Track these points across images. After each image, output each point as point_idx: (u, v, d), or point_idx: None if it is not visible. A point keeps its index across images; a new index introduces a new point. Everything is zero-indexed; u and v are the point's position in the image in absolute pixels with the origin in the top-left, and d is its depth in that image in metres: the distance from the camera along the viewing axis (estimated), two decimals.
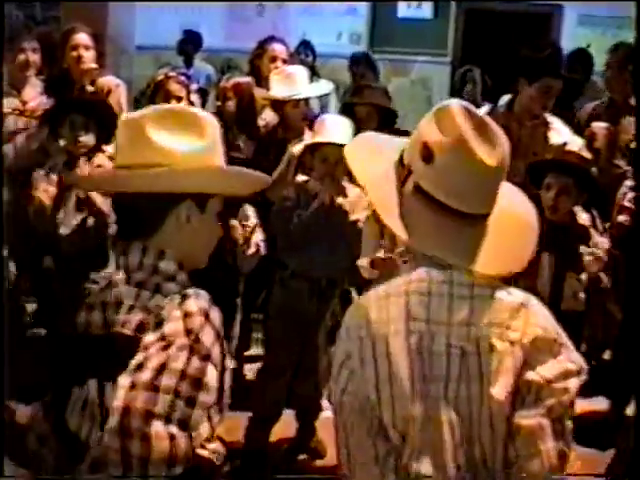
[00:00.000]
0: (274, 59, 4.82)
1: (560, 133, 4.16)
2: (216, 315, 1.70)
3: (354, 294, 3.88)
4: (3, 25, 4.09)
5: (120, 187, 1.75)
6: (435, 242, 1.69)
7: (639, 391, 4.02)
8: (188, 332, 1.63)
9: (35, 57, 4.45)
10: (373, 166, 1.74)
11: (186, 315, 1.65)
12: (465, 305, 1.67)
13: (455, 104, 1.69)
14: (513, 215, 1.76)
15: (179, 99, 4.27)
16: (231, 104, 4.36)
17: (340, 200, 3.79)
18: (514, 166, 4.06)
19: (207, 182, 1.74)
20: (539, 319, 1.69)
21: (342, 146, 3.63)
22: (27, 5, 7.13)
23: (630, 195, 4.18)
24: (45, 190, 3.89)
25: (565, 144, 4.08)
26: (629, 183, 4.23)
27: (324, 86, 4.73)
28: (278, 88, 4.41)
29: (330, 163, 3.70)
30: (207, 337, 1.65)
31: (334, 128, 3.74)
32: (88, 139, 3.89)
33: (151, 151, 1.71)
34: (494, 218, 1.72)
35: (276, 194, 4.01)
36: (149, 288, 1.69)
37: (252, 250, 3.79)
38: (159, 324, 1.63)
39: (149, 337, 1.63)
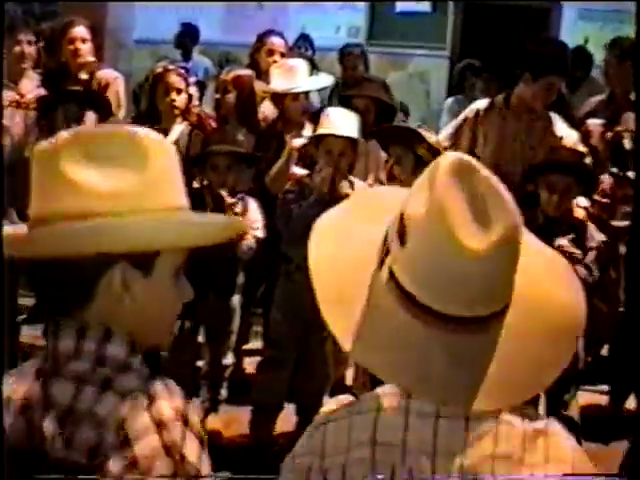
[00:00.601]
0: (272, 52, 4.81)
1: (556, 127, 4.16)
2: (193, 410, 1.25)
3: None
4: (3, 25, 4.09)
5: (29, 252, 1.25)
6: (400, 359, 1.23)
7: (639, 389, 4.04)
8: (168, 450, 1.17)
9: (31, 49, 4.44)
10: (346, 243, 1.32)
11: (160, 425, 1.18)
12: (457, 430, 1.22)
13: (450, 160, 1.25)
14: (543, 308, 1.28)
15: (179, 91, 4.27)
16: (231, 97, 4.35)
17: (344, 191, 3.78)
18: (512, 162, 4.13)
19: (144, 235, 1.22)
20: (562, 452, 1.24)
21: (347, 138, 3.69)
22: (26, 2, 7.11)
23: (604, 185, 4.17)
24: None
25: (561, 138, 4.09)
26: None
27: (324, 79, 4.73)
28: (278, 81, 4.40)
29: (334, 155, 3.70)
30: (192, 451, 1.19)
31: (339, 120, 3.74)
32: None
33: (66, 193, 1.21)
34: (513, 316, 1.25)
35: (277, 187, 4.00)
36: (94, 384, 1.21)
37: (248, 244, 3.78)
38: (125, 442, 1.16)
39: (114, 464, 1.16)
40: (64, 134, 1.25)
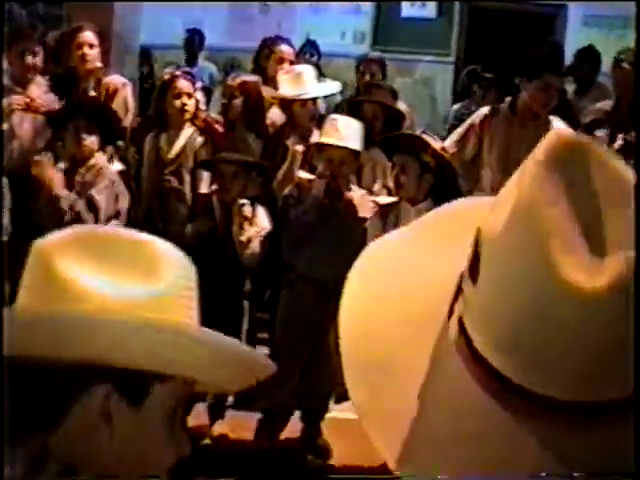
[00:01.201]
0: (281, 60, 4.86)
1: None
2: None
3: None
4: (3, 25, 4.10)
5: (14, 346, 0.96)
6: (472, 457, 0.77)
7: (639, 387, 4.03)
8: None
9: (35, 60, 4.46)
10: (399, 284, 0.91)
11: None
12: None
13: (552, 140, 0.78)
14: None
15: (189, 96, 4.30)
16: (237, 102, 4.38)
17: (345, 199, 3.81)
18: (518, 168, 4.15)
19: (151, 350, 0.95)
20: None
21: (350, 150, 3.71)
22: (30, 3, 7.13)
23: None
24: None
25: None
26: None
27: (332, 86, 4.77)
28: (286, 87, 4.43)
29: (334, 164, 3.71)
30: None
31: (343, 129, 3.75)
32: (91, 142, 3.94)
33: (61, 297, 0.98)
34: None
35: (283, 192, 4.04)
36: None
37: (246, 237, 3.80)
38: None
39: None
40: (70, 231, 1.05)
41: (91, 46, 4.52)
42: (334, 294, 3.65)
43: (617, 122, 4.68)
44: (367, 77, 5.28)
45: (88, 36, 4.54)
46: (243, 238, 3.77)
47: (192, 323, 1.04)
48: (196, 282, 1.08)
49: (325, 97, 4.99)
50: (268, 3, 8.31)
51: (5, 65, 4.44)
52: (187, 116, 4.30)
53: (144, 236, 1.06)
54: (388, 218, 3.71)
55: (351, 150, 3.75)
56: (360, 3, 8.34)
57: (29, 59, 4.42)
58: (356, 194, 3.89)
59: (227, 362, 1.03)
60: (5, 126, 4.29)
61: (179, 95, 4.27)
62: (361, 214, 3.82)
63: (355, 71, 5.61)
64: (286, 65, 4.80)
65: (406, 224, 3.51)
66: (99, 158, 4.04)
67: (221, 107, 4.63)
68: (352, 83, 5.99)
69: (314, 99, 4.43)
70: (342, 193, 3.81)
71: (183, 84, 4.31)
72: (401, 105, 4.95)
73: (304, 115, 4.35)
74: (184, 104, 4.27)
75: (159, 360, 0.95)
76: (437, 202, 3.68)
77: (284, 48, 4.94)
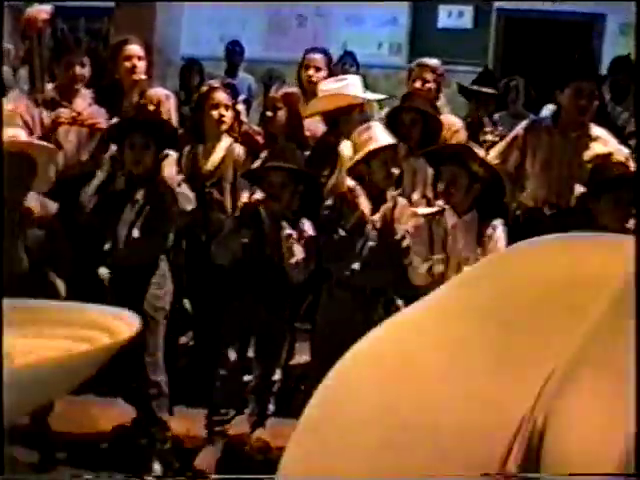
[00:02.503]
0: (307, 67, 4.92)
1: (606, 143, 4.17)
2: None
3: (399, 302, 3.92)
4: (2, 25, 4.18)
5: None
6: None
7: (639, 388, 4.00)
8: None
9: (83, 71, 4.55)
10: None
11: None
12: None
13: None
14: None
15: (227, 107, 4.33)
16: (281, 114, 4.42)
17: (384, 210, 3.84)
18: (561, 180, 4.16)
19: None
20: None
21: (394, 148, 3.77)
22: (71, 18, 7.27)
23: None
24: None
25: (610, 154, 4.10)
26: None
27: (376, 94, 4.81)
28: (330, 89, 4.48)
29: (389, 167, 3.76)
30: None
31: (383, 132, 3.85)
32: (148, 159, 3.93)
33: None
34: None
35: None
36: None
37: (295, 259, 3.83)
38: None
39: None
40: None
41: (139, 58, 4.60)
42: (370, 301, 3.74)
43: None
44: (417, 84, 5.13)
45: (135, 49, 4.62)
46: (292, 261, 3.82)
47: None
48: None
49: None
50: (304, 14, 8.39)
51: (46, 85, 4.54)
52: (224, 127, 4.32)
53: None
54: (434, 228, 3.74)
55: (394, 148, 3.82)
56: (396, 14, 8.39)
57: (77, 70, 4.50)
58: (399, 202, 3.92)
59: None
60: (52, 139, 4.39)
61: (216, 106, 4.29)
62: (401, 224, 3.85)
63: (408, 79, 5.47)
64: (311, 72, 4.85)
65: (454, 235, 3.52)
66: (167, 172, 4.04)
67: (263, 119, 4.67)
68: (389, 94, 6.03)
69: (361, 109, 4.48)
70: (384, 202, 3.85)
71: (221, 96, 4.33)
72: (451, 117, 4.96)
73: (350, 125, 4.39)
74: (221, 115, 4.29)
75: None
76: (481, 212, 3.71)
77: (313, 56, 4.99)
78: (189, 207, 4.01)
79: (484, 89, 4.96)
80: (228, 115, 4.34)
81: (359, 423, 0.65)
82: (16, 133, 3.90)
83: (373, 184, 3.83)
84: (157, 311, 3.94)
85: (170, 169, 4.09)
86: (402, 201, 3.99)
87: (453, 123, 4.80)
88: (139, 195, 3.96)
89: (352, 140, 3.93)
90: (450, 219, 3.70)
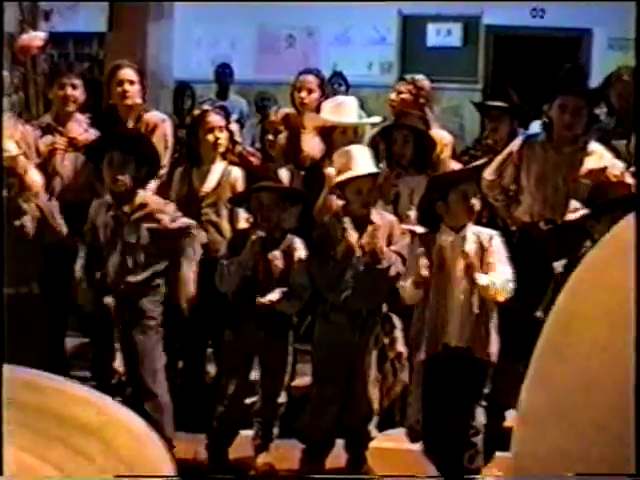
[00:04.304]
0: (300, 89, 4.98)
1: (601, 157, 4.24)
2: None
3: (395, 319, 3.98)
4: (2, 25, 4.24)
5: None
6: None
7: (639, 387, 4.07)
8: None
9: (75, 93, 4.61)
10: None
11: None
12: None
13: None
14: None
15: (221, 129, 4.40)
16: (282, 137, 4.49)
17: (369, 234, 3.85)
18: (555, 195, 4.23)
19: None
20: None
21: (374, 175, 3.80)
22: (61, 43, 7.34)
23: None
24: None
25: (605, 169, 4.18)
26: None
27: (373, 118, 4.89)
28: (328, 115, 4.55)
29: (364, 195, 3.79)
30: None
31: (361, 158, 3.84)
32: (125, 177, 3.92)
33: None
34: None
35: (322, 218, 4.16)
36: None
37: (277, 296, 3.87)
38: None
39: None
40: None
41: (131, 82, 4.66)
42: (367, 322, 3.80)
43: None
44: (392, 95, 5.26)
45: (128, 73, 4.68)
46: (272, 298, 3.86)
47: None
48: None
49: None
50: (294, 34, 8.48)
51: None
52: (220, 149, 4.38)
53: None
54: (431, 246, 3.73)
55: (374, 175, 3.87)
56: (384, 33, 8.50)
57: (69, 91, 4.57)
58: (387, 219, 3.96)
59: None
60: (48, 165, 4.46)
61: (211, 130, 4.34)
62: (395, 239, 3.91)
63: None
64: (304, 94, 4.91)
65: (452, 251, 3.50)
66: (147, 196, 4.04)
67: (263, 142, 4.73)
68: (380, 113, 6.13)
69: (355, 129, 4.55)
70: (369, 224, 3.87)
71: (214, 119, 4.38)
72: (440, 132, 5.04)
73: (343, 143, 4.45)
74: (217, 138, 4.35)
75: None
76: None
77: (304, 77, 5.04)
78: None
79: (494, 103, 5.03)
80: (223, 137, 4.40)
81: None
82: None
83: (351, 210, 3.88)
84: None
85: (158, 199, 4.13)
86: (389, 218, 4.01)
87: (442, 137, 4.90)
88: (126, 230, 3.96)
89: (333, 163, 3.99)
90: (447, 236, 3.71)
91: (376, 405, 3.94)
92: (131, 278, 3.97)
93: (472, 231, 3.72)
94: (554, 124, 4.27)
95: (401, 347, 3.91)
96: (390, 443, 4.08)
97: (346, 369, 3.88)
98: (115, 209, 4.01)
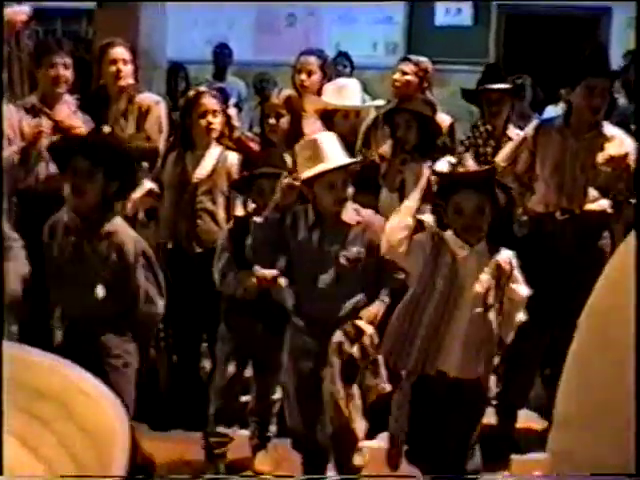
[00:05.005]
0: (300, 71, 4.91)
1: (621, 143, 4.14)
2: None
3: (363, 324, 3.51)
4: (2, 25, 4.14)
5: None
6: None
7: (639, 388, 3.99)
8: None
9: (67, 73, 4.47)
10: None
11: None
12: None
13: None
14: None
15: (215, 113, 4.28)
16: (284, 121, 4.38)
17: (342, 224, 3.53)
18: (573, 183, 4.12)
19: None
20: None
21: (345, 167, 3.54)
22: (47, 20, 7.25)
23: None
24: None
25: (627, 155, 4.07)
26: None
27: (375, 100, 4.81)
28: (330, 97, 4.48)
29: (338, 189, 3.46)
30: None
31: (331, 148, 3.50)
32: (91, 193, 3.36)
33: None
34: None
35: None
36: None
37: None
38: None
39: None
40: None
41: (125, 62, 4.55)
42: (327, 330, 3.44)
43: None
44: (396, 75, 5.15)
45: (121, 52, 4.57)
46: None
47: None
48: None
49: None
50: (295, 13, 8.38)
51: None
52: (214, 135, 4.27)
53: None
54: (440, 259, 3.33)
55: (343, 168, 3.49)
56: (391, 12, 8.39)
57: (61, 70, 4.43)
58: (364, 219, 3.57)
59: None
60: (32, 149, 4.35)
61: (204, 113, 4.23)
62: (369, 233, 3.53)
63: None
64: (303, 76, 4.84)
65: (464, 266, 3.27)
66: (117, 225, 3.45)
67: (263, 126, 4.60)
68: (385, 96, 6.03)
69: (357, 112, 4.47)
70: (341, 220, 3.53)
71: (209, 102, 4.25)
72: (443, 116, 4.95)
73: (345, 127, 4.35)
74: (209, 123, 4.24)
75: None
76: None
77: (303, 58, 4.97)
78: (159, 308, 3.53)
79: (496, 86, 4.82)
80: (217, 121, 4.28)
81: None
82: None
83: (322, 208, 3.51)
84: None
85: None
86: (367, 216, 3.60)
87: (443, 120, 4.80)
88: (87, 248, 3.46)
89: (295, 154, 3.65)
90: (460, 250, 3.32)
91: (361, 434, 3.54)
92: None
93: (489, 249, 3.35)
94: (576, 108, 4.15)
95: (375, 354, 3.48)
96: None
97: (313, 382, 3.53)
98: (77, 234, 3.47)
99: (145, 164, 4.46)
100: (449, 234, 3.35)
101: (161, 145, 4.56)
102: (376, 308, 3.55)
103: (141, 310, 3.50)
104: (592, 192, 4.13)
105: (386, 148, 4.45)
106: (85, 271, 3.42)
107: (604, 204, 4.15)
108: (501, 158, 4.26)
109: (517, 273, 3.35)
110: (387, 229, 3.39)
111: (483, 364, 3.36)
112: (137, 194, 4.13)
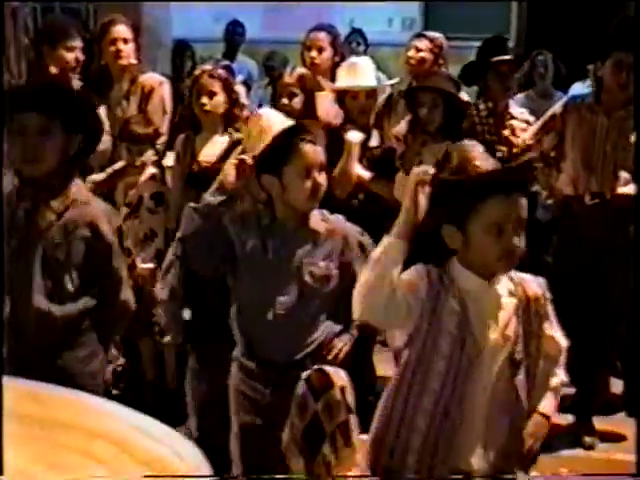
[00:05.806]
0: (310, 48, 4.88)
1: None
2: None
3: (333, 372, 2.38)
4: (3, 25, 4.11)
5: None
6: None
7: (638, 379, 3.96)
8: None
9: (80, 56, 4.50)
10: None
11: None
12: None
13: None
14: None
15: (211, 94, 4.16)
16: (297, 101, 4.31)
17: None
18: (602, 163, 4.05)
19: None
20: None
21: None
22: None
23: None
24: None
25: None
26: None
27: (391, 80, 4.77)
28: (340, 78, 4.44)
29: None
30: None
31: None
32: (48, 153, 2.70)
33: None
34: None
35: (342, 191, 4.00)
36: None
37: None
38: None
39: None
40: None
41: (125, 41, 4.51)
42: (285, 379, 2.70)
43: None
44: (410, 52, 5.10)
45: (122, 30, 4.53)
46: None
47: None
48: None
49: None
50: None
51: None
52: (218, 114, 4.16)
53: None
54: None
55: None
56: None
57: (78, 54, 4.47)
58: (335, 231, 2.94)
59: None
60: None
61: (200, 94, 4.12)
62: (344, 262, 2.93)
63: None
64: (314, 53, 4.83)
65: (478, 312, 2.96)
66: (77, 189, 2.79)
67: (276, 106, 4.53)
68: (401, 75, 5.96)
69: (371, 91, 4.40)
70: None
71: (206, 81, 4.14)
72: (464, 95, 4.86)
73: (355, 108, 4.31)
74: (203, 104, 4.11)
75: None
76: None
77: (315, 35, 4.94)
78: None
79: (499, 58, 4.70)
80: (214, 102, 4.19)
81: None
82: None
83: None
84: None
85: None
86: (340, 229, 2.98)
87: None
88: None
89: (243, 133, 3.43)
90: (472, 283, 2.36)
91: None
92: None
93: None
94: (605, 84, 4.09)
95: (344, 414, 2.30)
96: None
97: (260, 446, 2.81)
98: (30, 203, 2.76)
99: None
100: (458, 268, 2.37)
101: (164, 127, 4.50)
102: (342, 343, 2.92)
103: (120, 301, 2.90)
104: (623, 174, 4.06)
105: (400, 129, 4.38)
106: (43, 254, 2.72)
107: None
108: (527, 137, 4.20)
109: (551, 312, 2.46)
110: (360, 285, 2.34)
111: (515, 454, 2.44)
112: (141, 178, 4.08)
